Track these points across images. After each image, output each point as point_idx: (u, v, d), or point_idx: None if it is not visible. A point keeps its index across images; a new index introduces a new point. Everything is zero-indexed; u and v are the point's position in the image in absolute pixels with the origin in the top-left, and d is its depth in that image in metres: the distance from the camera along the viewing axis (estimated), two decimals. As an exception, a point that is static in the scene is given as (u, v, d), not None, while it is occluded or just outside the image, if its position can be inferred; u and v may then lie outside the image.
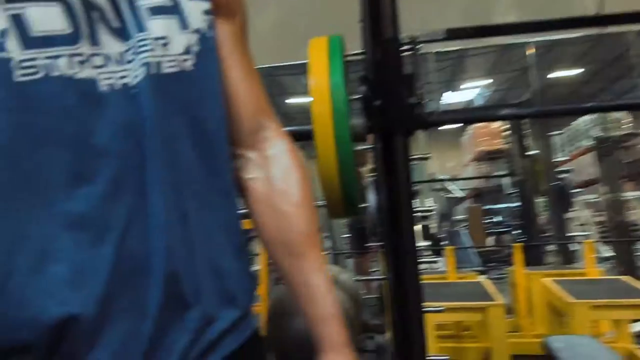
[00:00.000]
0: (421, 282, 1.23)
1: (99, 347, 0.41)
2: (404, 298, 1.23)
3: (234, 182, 0.54)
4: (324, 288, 0.54)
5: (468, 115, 1.51)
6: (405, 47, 1.27)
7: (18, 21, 0.40)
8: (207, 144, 0.49)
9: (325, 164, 1.16)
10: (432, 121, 1.30)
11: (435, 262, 4.67)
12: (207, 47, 0.50)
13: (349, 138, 1.15)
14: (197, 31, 0.49)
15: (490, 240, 7.63)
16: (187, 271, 0.45)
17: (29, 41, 0.40)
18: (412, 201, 1.31)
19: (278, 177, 0.56)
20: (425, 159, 1.52)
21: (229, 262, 0.50)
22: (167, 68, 0.46)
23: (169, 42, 0.46)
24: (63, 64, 0.41)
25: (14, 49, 0.39)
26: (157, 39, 0.46)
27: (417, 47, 1.28)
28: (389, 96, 1.25)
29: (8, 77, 0.39)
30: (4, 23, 0.39)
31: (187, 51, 0.47)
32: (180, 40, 0.47)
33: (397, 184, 1.29)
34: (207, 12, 0.50)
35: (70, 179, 0.41)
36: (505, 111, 1.33)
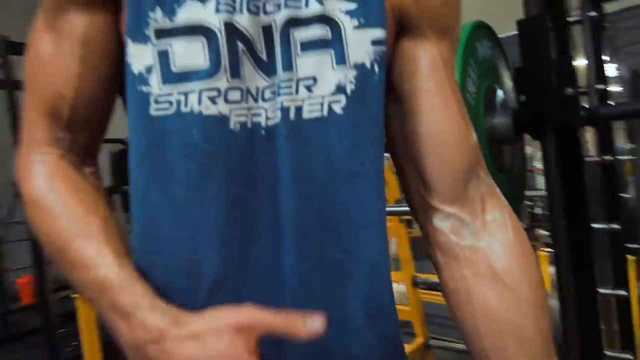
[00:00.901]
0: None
1: None
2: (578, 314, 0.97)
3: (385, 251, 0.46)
4: None
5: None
6: (554, 23, 0.98)
7: (163, 57, 0.41)
8: (356, 208, 0.43)
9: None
10: (600, 115, 0.98)
11: None
12: (367, 85, 0.42)
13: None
14: (357, 66, 0.42)
15: None
16: None
17: (169, 76, 0.41)
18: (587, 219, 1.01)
19: (507, 254, 0.46)
20: (608, 163, 1.17)
21: None
22: (310, 112, 0.41)
23: (316, 81, 0.41)
24: (193, 99, 0.40)
25: (155, 84, 0.41)
26: (303, 79, 0.41)
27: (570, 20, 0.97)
28: (532, 87, 0.98)
29: (146, 111, 0.41)
30: (151, 59, 0.41)
31: (339, 90, 0.42)
32: (332, 78, 0.42)
33: (552, 196, 1.01)
34: (376, 42, 0.43)
35: (179, 226, 0.41)
36: None
